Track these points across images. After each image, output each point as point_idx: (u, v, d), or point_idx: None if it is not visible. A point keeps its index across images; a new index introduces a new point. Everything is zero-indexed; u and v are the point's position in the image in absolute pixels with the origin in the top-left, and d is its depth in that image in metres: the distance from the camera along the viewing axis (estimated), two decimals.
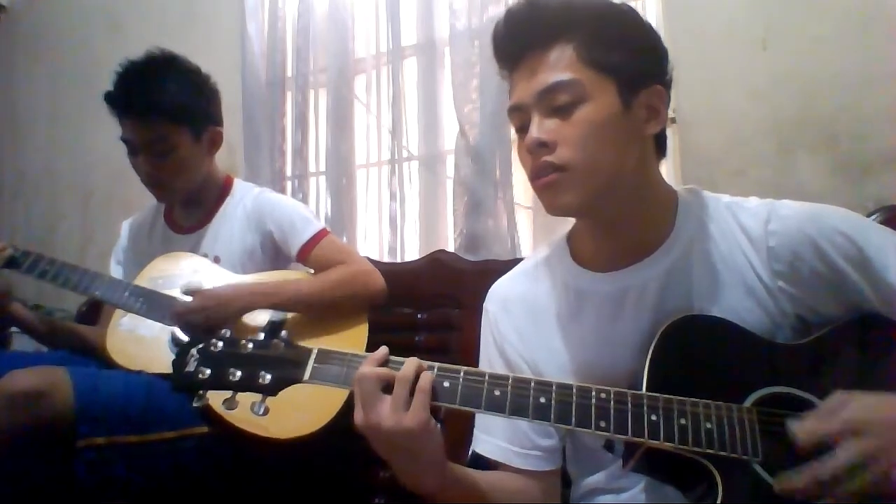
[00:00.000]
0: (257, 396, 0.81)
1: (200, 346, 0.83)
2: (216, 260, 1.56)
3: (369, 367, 0.78)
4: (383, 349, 0.80)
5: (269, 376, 0.80)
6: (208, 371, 0.81)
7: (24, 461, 1.17)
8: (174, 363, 0.83)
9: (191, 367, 0.81)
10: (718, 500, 0.73)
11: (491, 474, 0.92)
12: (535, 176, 0.85)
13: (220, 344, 0.83)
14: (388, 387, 0.76)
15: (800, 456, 0.71)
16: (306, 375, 0.81)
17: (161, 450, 1.27)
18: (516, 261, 1.10)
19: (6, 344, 2.19)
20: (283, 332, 0.84)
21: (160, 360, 1.38)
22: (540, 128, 0.83)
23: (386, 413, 0.74)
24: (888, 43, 1.36)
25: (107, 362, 1.42)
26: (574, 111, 0.82)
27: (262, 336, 0.84)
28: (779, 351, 0.83)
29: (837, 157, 1.41)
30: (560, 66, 0.83)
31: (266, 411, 0.81)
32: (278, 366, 0.81)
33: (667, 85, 0.89)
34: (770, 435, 0.76)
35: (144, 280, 1.51)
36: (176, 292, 1.47)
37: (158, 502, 1.31)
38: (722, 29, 1.54)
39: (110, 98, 1.51)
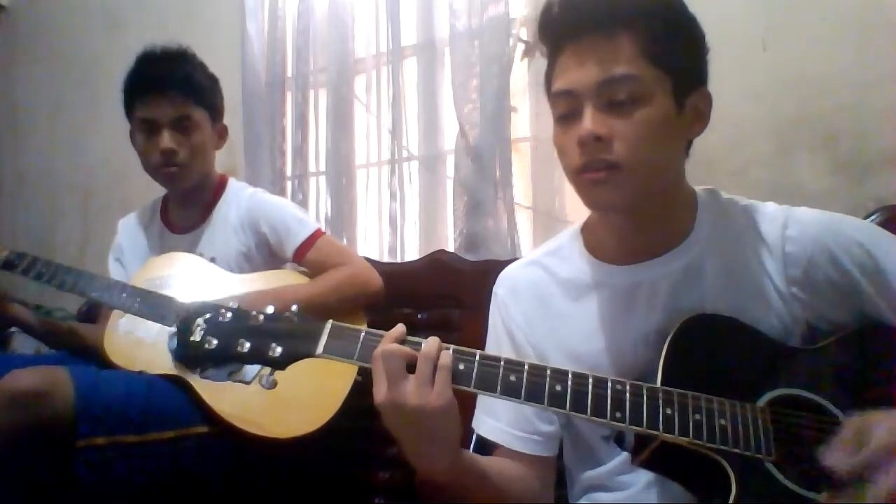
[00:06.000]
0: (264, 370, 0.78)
1: (208, 315, 0.79)
2: (213, 260, 1.56)
3: (392, 344, 0.76)
4: (401, 327, 0.78)
5: (279, 349, 0.78)
6: (216, 341, 0.77)
7: (24, 461, 1.17)
8: (178, 331, 0.79)
9: (197, 337, 0.78)
10: (731, 498, 0.72)
11: (492, 460, 0.93)
12: (583, 169, 0.82)
13: (230, 315, 0.79)
14: (410, 365, 0.75)
15: (814, 458, 0.71)
16: (319, 349, 0.78)
17: (161, 450, 1.27)
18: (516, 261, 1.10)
19: (6, 344, 2.19)
20: (295, 307, 0.81)
21: (159, 362, 1.38)
22: (595, 121, 0.79)
23: (411, 391, 0.73)
24: (888, 43, 1.36)
25: (106, 362, 1.42)
26: (633, 108, 0.79)
27: (272, 309, 0.81)
28: (791, 354, 0.83)
29: (837, 157, 1.41)
30: (622, 57, 0.79)
31: (274, 385, 0.77)
32: (290, 338, 0.78)
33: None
34: (783, 435, 0.76)
35: (141, 280, 1.51)
36: (174, 292, 1.47)
37: (158, 502, 1.31)
38: (722, 29, 1.53)
39: (134, 77, 1.54)
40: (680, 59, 0.82)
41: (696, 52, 0.85)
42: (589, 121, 0.80)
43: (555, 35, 0.85)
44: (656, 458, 0.77)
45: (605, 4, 0.81)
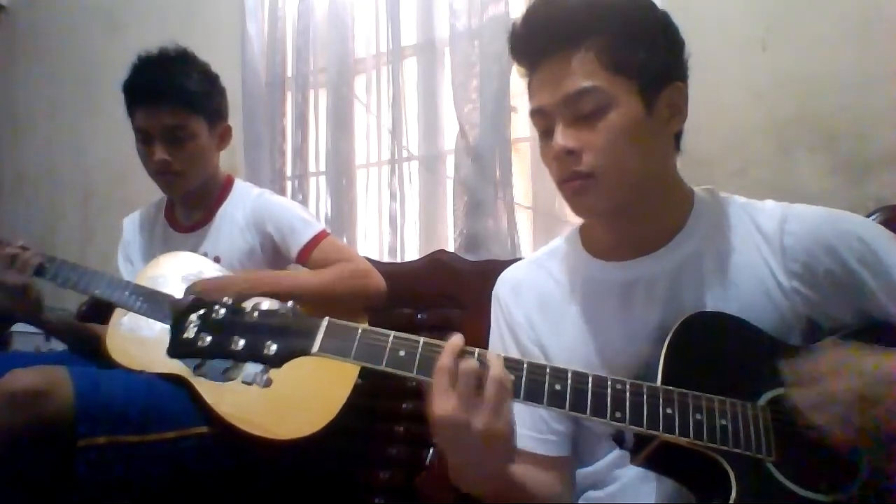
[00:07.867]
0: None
1: (202, 311, 0.77)
2: (217, 260, 1.56)
3: (466, 361, 0.73)
4: (459, 338, 0.75)
5: (274, 346, 0.76)
6: (209, 338, 0.76)
7: (24, 461, 1.17)
8: (172, 328, 0.78)
9: (190, 334, 0.76)
10: (731, 498, 0.72)
11: (520, 469, 0.91)
12: (561, 181, 0.86)
13: (223, 311, 0.78)
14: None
15: (813, 454, 0.72)
16: (315, 347, 0.76)
17: (161, 450, 1.27)
18: (516, 261, 1.10)
19: (6, 344, 2.19)
20: (290, 303, 0.80)
21: (160, 361, 1.37)
22: (565, 136, 0.83)
23: (482, 414, 0.71)
24: (888, 43, 1.36)
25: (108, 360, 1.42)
26: (599, 118, 0.82)
27: (267, 304, 0.79)
28: (792, 352, 0.83)
29: (837, 157, 1.41)
30: (583, 72, 0.82)
31: (269, 383, 0.76)
32: (285, 335, 0.76)
33: (685, 79, 0.89)
34: (782, 434, 0.76)
35: (145, 279, 1.51)
36: (176, 291, 1.47)
37: (158, 502, 1.31)
38: (722, 29, 1.54)
39: (129, 86, 1.52)
40: (643, 61, 0.83)
41: (662, 50, 0.86)
42: (560, 136, 0.83)
43: (522, 59, 0.89)
44: (656, 457, 0.77)
45: (565, 25, 0.84)
